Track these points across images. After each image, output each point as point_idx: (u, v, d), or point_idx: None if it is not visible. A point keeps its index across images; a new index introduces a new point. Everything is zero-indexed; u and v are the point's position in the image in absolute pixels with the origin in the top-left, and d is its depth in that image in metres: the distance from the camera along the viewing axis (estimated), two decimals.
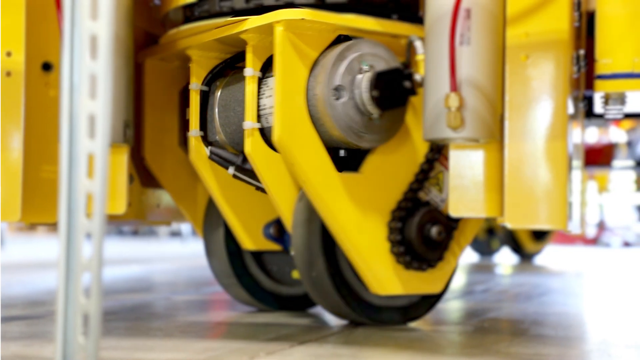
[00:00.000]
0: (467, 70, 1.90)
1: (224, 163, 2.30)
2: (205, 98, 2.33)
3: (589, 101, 2.47)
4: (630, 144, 6.27)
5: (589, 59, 2.08)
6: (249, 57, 2.15)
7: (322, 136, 2.09)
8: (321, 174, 2.09)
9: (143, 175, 2.50)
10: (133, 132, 2.26)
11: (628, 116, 2.70)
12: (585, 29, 2.16)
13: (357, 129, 2.08)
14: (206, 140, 2.34)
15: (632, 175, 8.24)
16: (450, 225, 2.23)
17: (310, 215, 2.18)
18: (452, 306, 3.01)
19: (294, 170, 2.09)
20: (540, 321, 2.55)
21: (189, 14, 2.27)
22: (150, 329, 2.23)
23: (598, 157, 6.09)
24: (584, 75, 2.17)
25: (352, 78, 2.07)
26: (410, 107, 2.18)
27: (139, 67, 2.47)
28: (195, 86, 2.31)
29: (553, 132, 1.89)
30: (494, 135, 1.94)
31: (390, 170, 2.20)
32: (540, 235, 6.39)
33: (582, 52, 2.06)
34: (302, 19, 2.02)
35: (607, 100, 2.10)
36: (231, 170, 2.29)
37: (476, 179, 1.98)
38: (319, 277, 2.21)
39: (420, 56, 2.05)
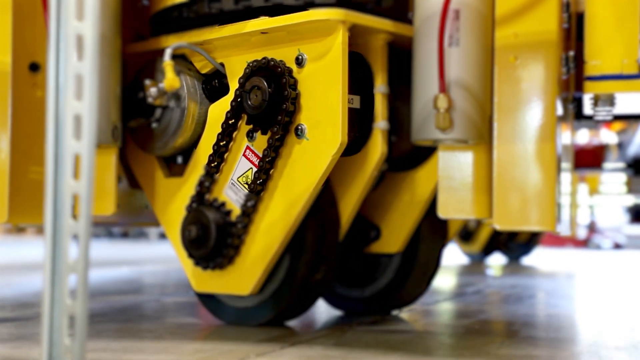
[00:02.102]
0: (456, 72, 1.90)
1: None
2: None
3: (579, 102, 2.48)
4: (621, 146, 6.28)
5: (579, 60, 2.08)
6: None
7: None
8: (150, 181, 2.37)
9: (132, 176, 2.49)
10: (121, 133, 2.25)
11: (617, 118, 2.70)
12: (574, 30, 2.16)
13: (147, 140, 2.29)
14: None
15: (622, 177, 8.25)
16: (226, 228, 2.17)
17: None
18: (443, 308, 3.01)
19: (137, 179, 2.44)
20: (531, 323, 2.55)
21: (177, 15, 2.27)
22: (140, 331, 2.22)
23: (589, 159, 6.09)
24: (574, 76, 2.17)
25: None
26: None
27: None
28: None
29: (542, 134, 1.89)
30: (482, 136, 1.94)
31: (197, 172, 2.25)
32: (466, 237, 6.52)
33: (571, 53, 2.06)
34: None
35: (596, 101, 2.10)
36: None
37: (465, 180, 1.97)
38: None
39: (166, 63, 2.12)
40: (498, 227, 1.93)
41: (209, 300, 2.37)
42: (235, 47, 2.16)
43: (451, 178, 1.98)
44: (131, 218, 2.62)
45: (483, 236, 6.51)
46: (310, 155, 2.03)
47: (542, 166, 1.89)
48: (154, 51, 2.30)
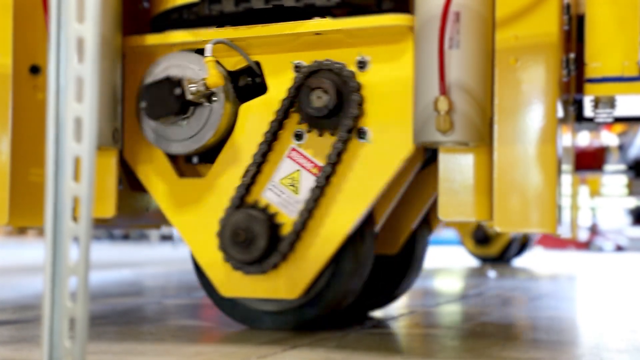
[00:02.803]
0: (456, 74, 1.90)
1: None
2: None
3: (579, 105, 2.48)
4: (622, 148, 6.28)
5: (579, 62, 2.08)
6: None
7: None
8: (160, 182, 2.29)
9: (132, 178, 2.49)
10: (121, 135, 2.25)
11: (618, 120, 2.70)
12: (575, 32, 2.16)
13: (166, 138, 2.20)
14: None
15: (623, 179, 8.26)
16: (276, 231, 2.12)
17: None
18: (445, 310, 3.00)
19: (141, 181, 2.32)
20: (533, 325, 2.55)
21: (178, 17, 2.27)
22: (142, 333, 2.22)
23: (590, 161, 6.10)
24: (574, 78, 2.17)
25: None
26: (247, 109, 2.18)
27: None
28: None
29: (542, 136, 1.89)
30: (483, 138, 1.94)
31: (229, 173, 2.20)
32: (484, 241, 6.57)
33: (572, 55, 2.06)
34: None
35: (596, 103, 2.10)
36: None
37: (465, 182, 1.97)
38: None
39: (208, 59, 2.08)
40: (499, 229, 1.93)
41: (230, 305, 2.30)
42: (275, 45, 2.13)
43: (452, 180, 1.98)
44: (131, 220, 2.62)
45: (503, 240, 6.60)
46: (376, 159, 2.03)
47: (543, 168, 1.89)
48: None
